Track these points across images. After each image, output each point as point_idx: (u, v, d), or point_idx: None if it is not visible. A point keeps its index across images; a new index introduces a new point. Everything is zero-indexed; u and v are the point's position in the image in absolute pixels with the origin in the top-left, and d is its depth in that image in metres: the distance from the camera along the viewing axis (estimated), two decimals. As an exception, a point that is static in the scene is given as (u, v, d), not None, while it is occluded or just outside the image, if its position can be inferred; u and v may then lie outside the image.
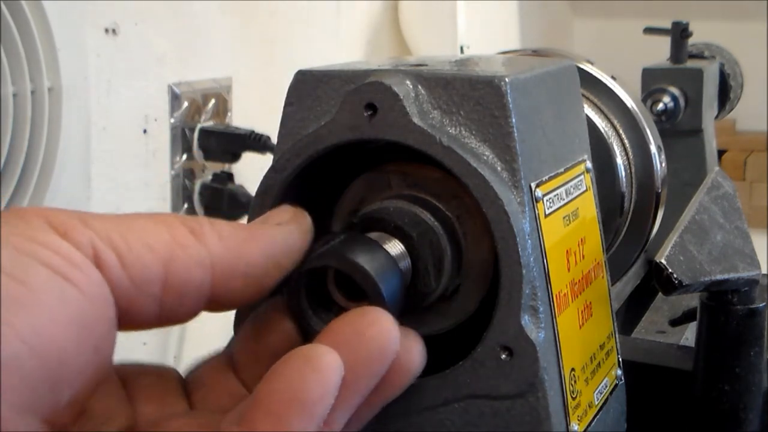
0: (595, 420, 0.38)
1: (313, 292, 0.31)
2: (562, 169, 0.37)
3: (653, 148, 0.57)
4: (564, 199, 0.37)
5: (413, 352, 0.31)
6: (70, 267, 0.25)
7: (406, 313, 0.34)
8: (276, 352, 0.32)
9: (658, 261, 0.38)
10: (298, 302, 0.31)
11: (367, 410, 0.30)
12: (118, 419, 0.29)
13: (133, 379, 0.30)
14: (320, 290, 0.31)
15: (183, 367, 0.33)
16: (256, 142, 1.46)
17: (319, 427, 0.26)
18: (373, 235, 0.33)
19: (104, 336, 0.25)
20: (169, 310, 0.28)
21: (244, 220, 0.35)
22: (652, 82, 0.99)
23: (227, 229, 0.29)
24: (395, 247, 0.32)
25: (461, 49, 2.38)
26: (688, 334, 0.74)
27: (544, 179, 0.35)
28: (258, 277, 0.29)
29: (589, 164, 0.40)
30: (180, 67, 1.54)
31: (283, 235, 0.30)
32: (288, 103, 0.36)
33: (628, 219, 0.56)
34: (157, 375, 0.31)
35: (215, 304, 0.29)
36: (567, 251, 0.36)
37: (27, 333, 0.23)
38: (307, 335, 0.31)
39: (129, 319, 0.27)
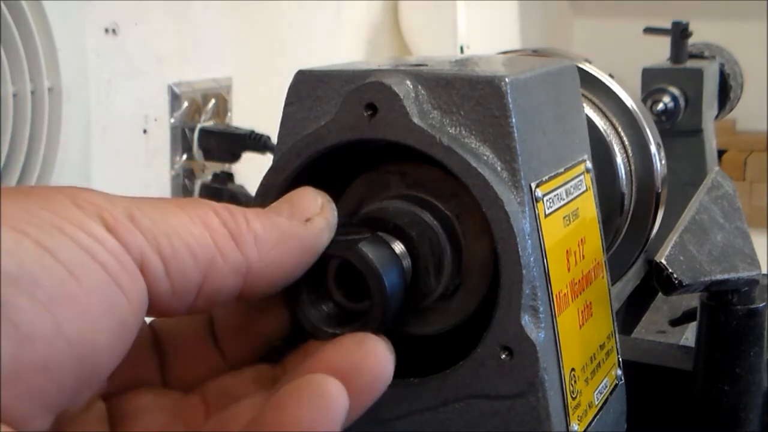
0: (595, 420, 0.38)
1: (312, 283, 0.31)
2: (562, 169, 0.37)
3: (653, 148, 0.57)
4: (564, 199, 0.37)
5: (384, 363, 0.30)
6: (122, 272, 0.24)
7: (406, 313, 0.34)
8: (264, 333, 0.32)
9: (658, 261, 0.38)
10: (296, 293, 0.31)
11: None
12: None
13: None
14: (319, 281, 0.31)
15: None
16: (256, 142, 1.46)
17: None
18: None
19: (132, 340, 0.25)
20: (196, 310, 0.27)
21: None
22: (652, 82, 0.99)
23: (260, 228, 0.28)
24: (395, 246, 0.32)
25: (461, 49, 2.38)
26: (688, 334, 0.74)
27: (544, 179, 0.35)
28: (284, 279, 0.29)
29: (589, 164, 0.40)
30: (180, 67, 1.54)
31: (313, 237, 0.30)
32: (288, 103, 0.36)
33: (628, 219, 0.56)
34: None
35: (237, 300, 0.29)
36: (567, 251, 0.36)
37: (74, 337, 0.23)
38: (300, 324, 0.31)
39: (155, 315, 0.26)
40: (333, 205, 0.31)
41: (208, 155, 1.53)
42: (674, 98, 0.97)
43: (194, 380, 0.31)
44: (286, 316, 0.32)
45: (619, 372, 0.41)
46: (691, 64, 1.04)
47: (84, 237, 0.24)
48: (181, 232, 0.26)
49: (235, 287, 0.28)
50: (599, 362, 0.39)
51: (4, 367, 0.21)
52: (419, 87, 0.34)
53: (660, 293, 0.64)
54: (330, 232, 0.31)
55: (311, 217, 0.30)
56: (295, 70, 0.36)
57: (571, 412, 0.35)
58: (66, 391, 0.23)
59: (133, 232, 0.25)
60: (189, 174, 1.55)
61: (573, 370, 0.35)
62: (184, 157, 1.53)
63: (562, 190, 0.37)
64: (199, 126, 1.54)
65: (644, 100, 0.97)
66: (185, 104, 1.54)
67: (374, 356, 0.29)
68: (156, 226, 0.26)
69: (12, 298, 0.21)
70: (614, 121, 0.56)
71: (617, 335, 0.41)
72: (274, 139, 0.37)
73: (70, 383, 0.23)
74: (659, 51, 1.10)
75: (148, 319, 0.29)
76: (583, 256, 0.38)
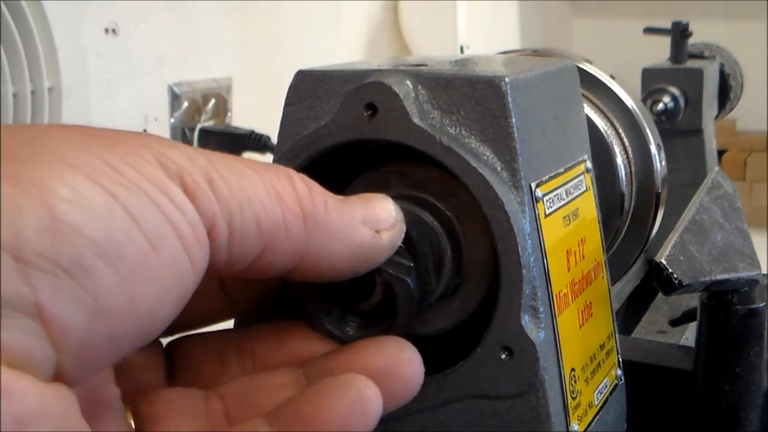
0: (595, 420, 0.38)
1: (323, 291, 0.31)
2: (562, 169, 0.37)
3: (653, 148, 0.57)
4: (564, 199, 0.37)
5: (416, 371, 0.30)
6: (195, 243, 0.23)
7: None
8: (267, 284, 0.32)
9: (658, 261, 0.38)
10: (307, 300, 0.31)
11: None
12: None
13: None
14: (329, 289, 0.31)
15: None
16: (256, 142, 1.46)
17: None
18: None
19: (186, 303, 0.24)
20: (242, 277, 0.27)
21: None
22: (652, 82, 0.99)
23: (335, 218, 0.27)
24: None
25: (461, 49, 2.38)
26: (688, 334, 0.74)
27: (544, 179, 0.35)
28: (331, 277, 0.28)
29: (589, 164, 0.40)
30: (180, 67, 1.54)
31: (375, 251, 0.29)
32: (288, 103, 0.36)
33: (628, 219, 0.56)
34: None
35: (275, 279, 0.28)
36: (567, 251, 0.36)
37: (143, 310, 0.22)
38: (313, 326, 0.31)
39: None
40: (403, 226, 0.30)
41: (208, 155, 1.53)
42: (674, 98, 0.97)
43: (200, 322, 0.31)
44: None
45: (619, 372, 0.41)
46: (691, 64, 1.04)
47: (167, 204, 0.23)
48: (254, 202, 0.25)
49: (287, 266, 0.27)
50: (599, 362, 0.39)
51: (78, 340, 0.21)
52: (419, 87, 0.34)
53: (660, 293, 0.64)
54: (390, 252, 0.30)
55: (381, 231, 0.29)
56: (295, 70, 0.36)
57: (571, 412, 0.35)
58: (120, 354, 0.23)
59: (209, 198, 0.24)
60: (189, 174, 1.54)
61: (573, 370, 0.35)
62: (184, 157, 1.53)
63: (562, 190, 0.37)
64: (199, 126, 1.54)
65: (644, 100, 0.97)
66: (185, 104, 1.54)
67: (411, 365, 0.29)
68: (231, 194, 0.25)
69: (96, 269, 0.21)
70: (614, 121, 0.56)
71: (617, 335, 0.41)
72: (274, 139, 0.37)
73: (126, 348, 0.23)
74: (659, 51, 1.10)
75: None
76: (583, 256, 0.38)
